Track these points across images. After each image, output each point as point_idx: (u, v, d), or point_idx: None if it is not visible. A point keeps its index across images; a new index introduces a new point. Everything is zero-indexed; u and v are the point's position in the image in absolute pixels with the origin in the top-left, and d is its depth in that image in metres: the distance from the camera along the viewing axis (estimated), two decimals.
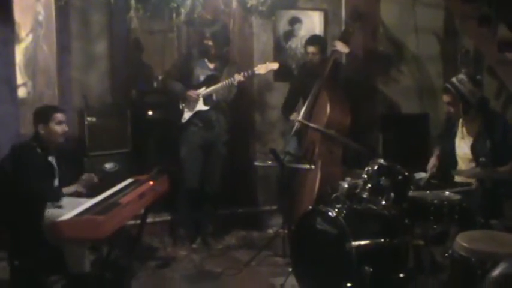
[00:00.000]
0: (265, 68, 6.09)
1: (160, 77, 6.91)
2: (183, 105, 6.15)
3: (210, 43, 6.10)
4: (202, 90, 6.08)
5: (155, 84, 7.27)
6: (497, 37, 5.58)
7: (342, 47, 6.17)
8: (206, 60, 6.21)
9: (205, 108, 6.10)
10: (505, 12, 5.51)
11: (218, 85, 6.04)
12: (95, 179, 5.01)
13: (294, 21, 7.14)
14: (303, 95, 6.32)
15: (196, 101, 6.07)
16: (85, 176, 5.03)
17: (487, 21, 5.60)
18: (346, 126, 6.01)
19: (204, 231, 6.28)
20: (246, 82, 6.22)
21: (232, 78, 5.96)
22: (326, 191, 5.38)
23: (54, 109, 4.88)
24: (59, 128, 4.78)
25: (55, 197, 4.70)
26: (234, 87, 6.11)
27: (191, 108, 6.11)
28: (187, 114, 6.13)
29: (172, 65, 6.44)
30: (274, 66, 6.15)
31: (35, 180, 4.56)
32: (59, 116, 4.80)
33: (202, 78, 6.16)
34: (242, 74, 5.96)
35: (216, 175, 6.30)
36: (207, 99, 6.10)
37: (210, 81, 6.12)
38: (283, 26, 7.11)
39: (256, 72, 6.06)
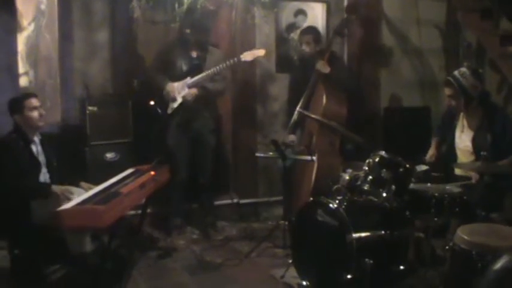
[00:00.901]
0: (252, 55, 6.06)
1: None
2: (166, 98, 6.11)
3: (188, 31, 6.10)
4: (187, 80, 6.06)
5: None
6: (499, 31, 5.58)
7: (322, 67, 6.16)
8: (187, 50, 6.19)
9: (187, 99, 6.07)
10: (507, 6, 5.51)
11: (203, 74, 6.02)
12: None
13: (297, 12, 7.15)
14: (303, 86, 6.31)
15: (174, 99, 6.06)
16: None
17: (489, 14, 5.59)
18: (342, 117, 6.02)
19: (204, 222, 6.29)
20: (241, 69, 6.21)
21: (217, 67, 5.95)
22: (325, 182, 5.37)
23: (26, 96, 4.85)
24: (35, 113, 4.76)
25: (41, 193, 4.63)
26: (220, 76, 6.13)
27: (175, 99, 6.09)
28: (172, 105, 6.11)
29: (155, 57, 6.36)
30: (261, 53, 6.13)
31: (16, 176, 4.56)
32: (33, 101, 4.78)
33: (185, 68, 6.14)
34: (227, 62, 5.96)
35: (207, 165, 6.30)
36: (189, 88, 6.07)
37: (193, 70, 6.09)
38: (285, 18, 7.11)
39: (243, 59, 6.02)
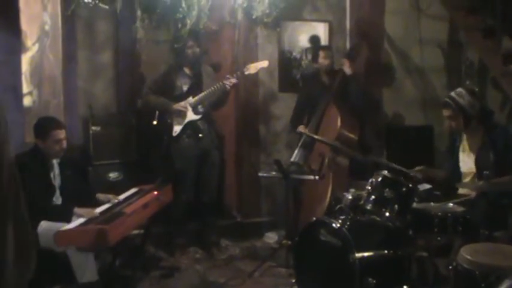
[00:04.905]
0: (255, 67, 6.07)
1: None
2: (170, 120, 6.08)
3: (196, 50, 6.11)
4: (190, 100, 6.06)
5: None
6: (502, 49, 5.60)
7: (347, 67, 6.21)
8: (186, 69, 6.18)
9: (196, 117, 6.07)
10: (509, 25, 5.53)
11: (207, 92, 6.02)
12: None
13: (299, 32, 7.19)
14: (310, 106, 6.33)
15: (185, 113, 6.04)
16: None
17: (492, 33, 5.63)
18: (354, 140, 6.05)
19: (207, 241, 6.27)
20: (243, 88, 6.24)
21: (221, 83, 5.95)
22: (330, 202, 5.39)
23: (54, 126, 4.75)
24: (57, 147, 4.71)
25: (58, 215, 4.57)
26: (222, 92, 6.07)
27: (180, 120, 6.06)
28: (177, 127, 6.06)
29: (153, 80, 6.26)
30: (264, 64, 6.14)
31: (30, 195, 4.49)
32: (59, 133, 4.71)
33: (185, 88, 6.12)
34: (233, 77, 5.95)
35: (212, 184, 6.29)
36: (195, 109, 6.08)
37: (194, 89, 6.10)
38: (288, 37, 7.15)
39: (246, 72, 6.03)
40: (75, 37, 6.37)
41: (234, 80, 5.93)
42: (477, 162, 4.87)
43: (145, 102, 6.27)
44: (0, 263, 1.51)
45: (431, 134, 7.25)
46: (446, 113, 4.98)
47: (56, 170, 4.87)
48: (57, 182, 4.87)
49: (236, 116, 6.93)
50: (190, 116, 6.05)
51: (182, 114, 6.02)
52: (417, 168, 5.09)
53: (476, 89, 5.53)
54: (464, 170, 5.01)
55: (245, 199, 7.03)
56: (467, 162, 4.99)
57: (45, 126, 4.75)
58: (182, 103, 6.03)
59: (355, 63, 6.32)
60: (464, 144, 5.04)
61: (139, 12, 6.08)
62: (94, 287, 4.38)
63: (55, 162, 4.85)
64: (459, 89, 4.99)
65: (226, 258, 6.09)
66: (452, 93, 4.96)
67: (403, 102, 7.44)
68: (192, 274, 5.63)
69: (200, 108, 6.07)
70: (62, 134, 4.74)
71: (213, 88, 5.98)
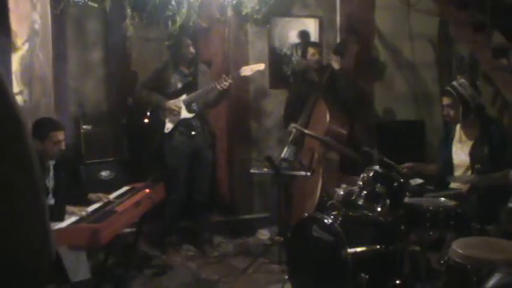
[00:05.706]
0: (251, 69, 6.05)
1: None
2: (163, 117, 6.07)
3: (192, 50, 6.13)
4: (183, 98, 6.06)
5: None
6: (491, 44, 5.61)
7: (335, 63, 6.22)
8: (182, 68, 6.19)
9: (190, 115, 6.07)
10: (499, 19, 5.55)
11: (201, 90, 6.04)
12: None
13: (289, 28, 7.19)
14: (301, 102, 6.33)
15: (178, 110, 6.05)
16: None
17: (482, 28, 5.64)
18: (344, 136, 6.05)
19: (200, 239, 6.27)
20: (234, 85, 6.27)
21: (215, 82, 5.95)
22: (322, 197, 5.39)
23: (53, 127, 4.67)
24: (55, 148, 4.63)
25: (51, 215, 4.51)
26: (217, 92, 6.07)
27: (173, 118, 6.05)
28: (170, 124, 6.06)
29: (148, 78, 6.27)
30: (260, 67, 6.12)
31: None
32: (58, 135, 4.64)
33: (180, 85, 6.12)
34: (227, 77, 5.95)
35: (205, 181, 6.29)
36: (188, 106, 6.08)
37: (188, 87, 6.11)
38: (278, 34, 7.14)
39: (242, 74, 6.02)
40: (65, 36, 6.36)
41: (229, 81, 5.93)
42: (471, 155, 4.88)
43: (138, 98, 6.27)
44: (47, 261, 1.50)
45: (423, 129, 7.27)
46: (446, 101, 4.99)
47: (51, 172, 4.84)
48: (50, 183, 4.84)
49: (227, 113, 6.93)
50: (184, 113, 6.04)
51: (175, 111, 6.02)
52: (406, 164, 5.11)
53: (478, 82, 5.56)
54: (457, 162, 5.02)
55: (237, 196, 7.03)
56: (460, 154, 5.01)
57: (43, 127, 4.67)
58: (175, 100, 6.02)
59: (343, 58, 6.33)
60: (461, 135, 5.04)
61: (129, 10, 6.07)
62: (87, 286, 4.37)
63: (51, 163, 4.83)
64: (461, 80, 5.01)
65: (219, 256, 6.09)
66: (454, 83, 4.98)
67: (394, 97, 7.45)
68: (184, 272, 5.62)
69: (194, 106, 6.07)
70: (61, 135, 4.67)
71: (207, 87, 5.98)
